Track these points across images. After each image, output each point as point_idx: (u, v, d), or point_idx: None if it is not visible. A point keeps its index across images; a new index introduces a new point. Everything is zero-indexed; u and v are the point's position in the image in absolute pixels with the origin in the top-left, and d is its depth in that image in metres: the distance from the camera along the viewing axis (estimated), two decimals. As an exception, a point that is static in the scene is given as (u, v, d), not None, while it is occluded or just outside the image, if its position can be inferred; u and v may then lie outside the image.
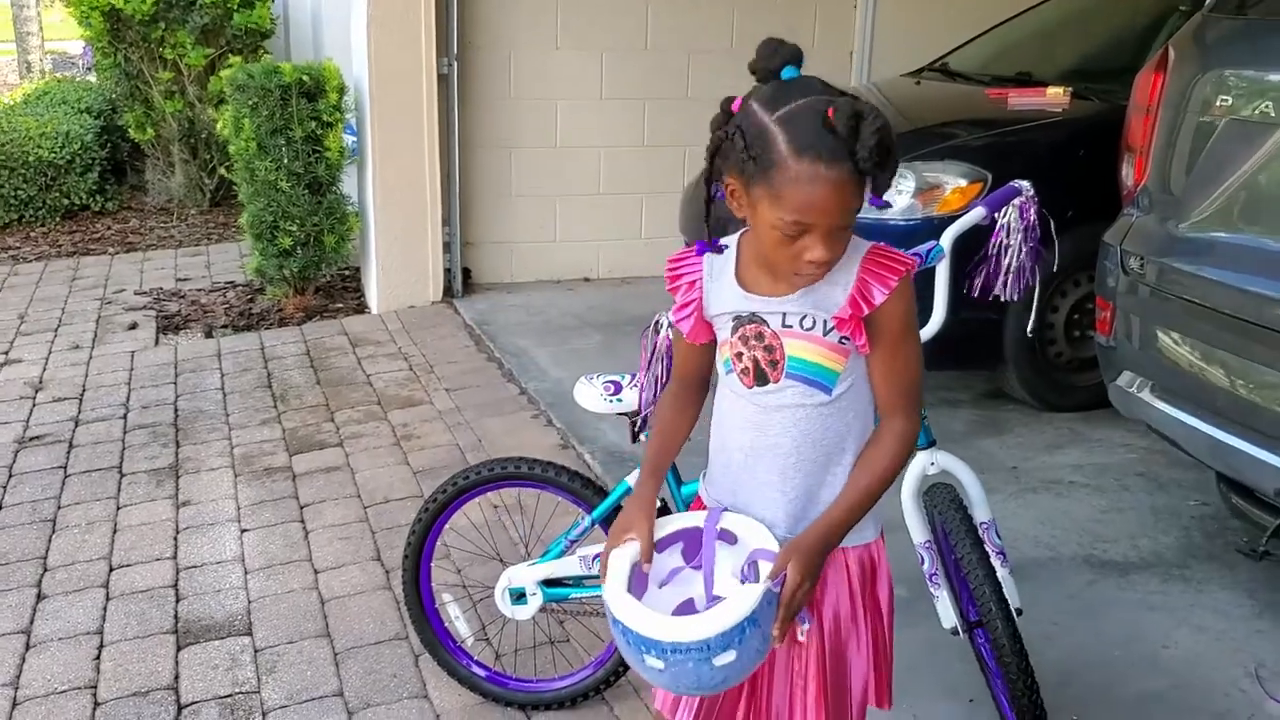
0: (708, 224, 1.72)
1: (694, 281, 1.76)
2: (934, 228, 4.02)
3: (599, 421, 4.21)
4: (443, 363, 5.09)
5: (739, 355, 1.73)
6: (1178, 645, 2.87)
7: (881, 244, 1.66)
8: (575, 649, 2.84)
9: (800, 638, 1.70)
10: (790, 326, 1.67)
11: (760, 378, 1.71)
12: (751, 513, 1.74)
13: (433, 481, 3.87)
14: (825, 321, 1.65)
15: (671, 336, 2.29)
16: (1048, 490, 3.71)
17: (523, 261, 6.23)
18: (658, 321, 2.31)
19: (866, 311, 1.62)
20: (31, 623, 3.12)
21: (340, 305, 5.96)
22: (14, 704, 2.78)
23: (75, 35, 15.05)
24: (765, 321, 1.68)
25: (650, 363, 2.37)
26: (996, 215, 2.46)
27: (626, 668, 2.63)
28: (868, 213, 4.54)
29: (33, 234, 7.63)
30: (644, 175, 6.20)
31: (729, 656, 1.55)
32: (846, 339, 1.65)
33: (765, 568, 1.61)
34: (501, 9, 5.84)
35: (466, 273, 6.06)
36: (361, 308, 5.94)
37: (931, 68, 5.41)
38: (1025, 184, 2.48)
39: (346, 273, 6.36)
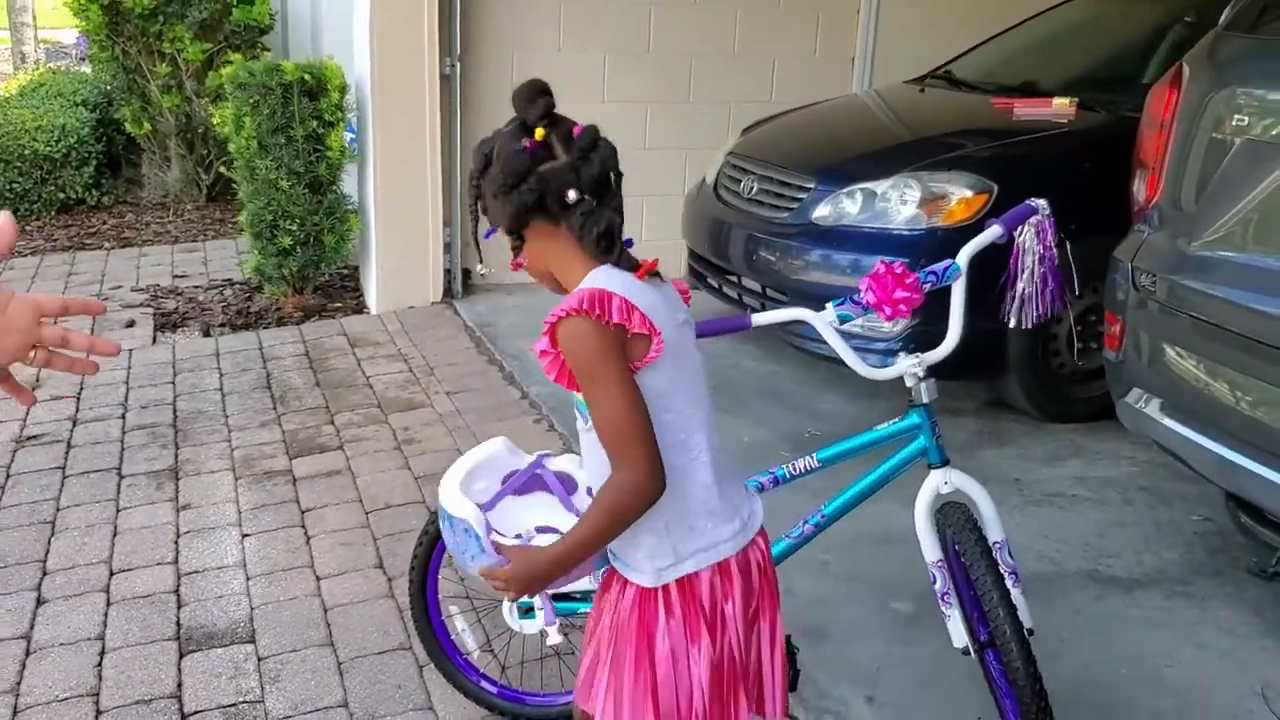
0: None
1: None
2: (938, 239, 4.03)
3: (601, 428, 4.19)
4: (443, 365, 5.07)
5: None
6: (1183, 664, 2.87)
7: (588, 289, 1.62)
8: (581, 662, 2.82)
9: (548, 640, 1.91)
10: None
11: None
12: None
13: (434, 487, 3.83)
14: None
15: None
16: (1051, 503, 3.71)
17: (522, 263, 6.20)
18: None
19: (540, 348, 1.66)
20: (32, 627, 3.10)
21: (339, 305, 5.94)
22: (15, 711, 2.76)
23: (67, 24, 14.91)
24: None
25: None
26: (1014, 234, 2.45)
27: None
28: (873, 221, 4.52)
29: (28, 228, 7.58)
30: (645, 178, 6.15)
31: (445, 527, 1.86)
32: None
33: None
34: (504, 10, 5.82)
35: (466, 273, 6.04)
36: (360, 308, 5.91)
37: (935, 75, 5.40)
38: (1041, 203, 2.47)
39: (345, 272, 6.34)
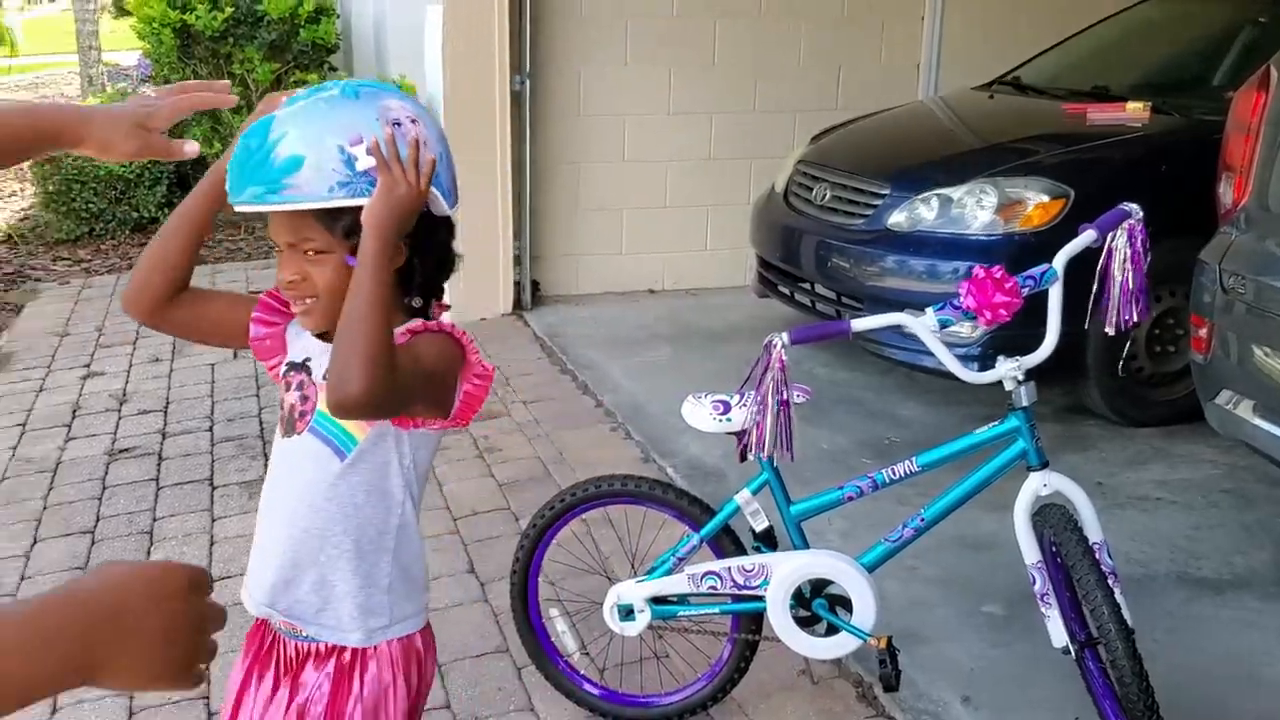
0: None
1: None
2: (1015, 244, 4.05)
3: (679, 435, 4.25)
4: (517, 375, 5.15)
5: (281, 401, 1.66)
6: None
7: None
8: (676, 664, 2.87)
9: None
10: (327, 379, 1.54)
11: (289, 427, 1.63)
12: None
13: (518, 494, 3.93)
14: None
15: (785, 357, 2.33)
16: (1135, 506, 3.71)
17: (589, 274, 6.28)
18: (770, 342, 2.33)
19: None
20: (140, 633, 3.19)
21: (412, 318, 6.03)
22: (130, 713, 2.86)
23: (127, 46, 15.20)
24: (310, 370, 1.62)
25: (761, 383, 2.40)
26: (1106, 238, 2.47)
27: (734, 683, 2.67)
28: (950, 226, 4.52)
29: (103, 246, 7.77)
30: (710, 188, 6.24)
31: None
32: None
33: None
34: (571, 27, 5.90)
35: (535, 285, 6.12)
36: (432, 320, 6.00)
37: (1003, 81, 5.41)
38: (1134, 207, 2.49)
39: (415, 285, 6.43)
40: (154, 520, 3.86)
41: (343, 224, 1.49)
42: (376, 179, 1.44)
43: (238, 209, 1.48)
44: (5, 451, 4.43)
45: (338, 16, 8.14)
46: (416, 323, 1.57)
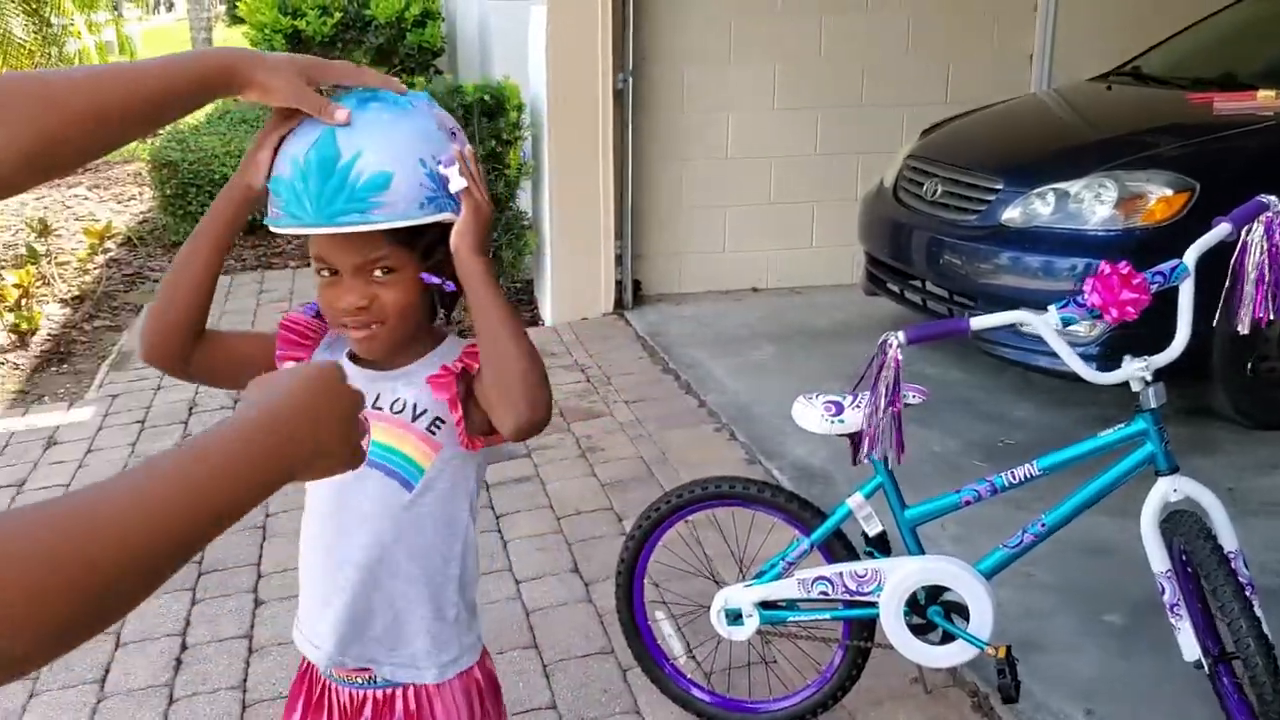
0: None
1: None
2: (1136, 239, 3.91)
3: (785, 436, 4.19)
4: (619, 374, 5.13)
5: None
6: None
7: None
8: (785, 669, 2.81)
9: None
10: (380, 409, 1.50)
11: None
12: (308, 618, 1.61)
13: (621, 494, 3.91)
14: (414, 405, 1.49)
15: (900, 356, 2.26)
16: (1269, 513, 3.54)
17: (691, 272, 6.24)
18: (886, 341, 2.27)
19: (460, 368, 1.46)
20: (252, 628, 3.25)
21: (516, 317, 6.05)
22: (244, 706, 2.90)
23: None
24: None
25: (876, 383, 2.33)
26: (1242, 232, 2.35)
27: (845, 690, 2.60)
28: (1067, 222, 4.39)
29: (218, 248, 7.96)
30: (815, 184, 6.15)
31: None
32: (438, 425, 1.48)
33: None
34: (675, 24, 5.86)
35: (637, 284, 6.10)
36: (535, 320, 6.03)
37: (1120, 71, 5.23)
38: (1273, 199, 2.36)
39: (518, 284, 6.47)
40: (266, 516, 3.92)
41: (426, 239, 1.42)
42: (459, 196, 1.39)
43: (285, 231, 1.38)
44: (125, 448, 4.56)
45: (443, 20, 8.22)
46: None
